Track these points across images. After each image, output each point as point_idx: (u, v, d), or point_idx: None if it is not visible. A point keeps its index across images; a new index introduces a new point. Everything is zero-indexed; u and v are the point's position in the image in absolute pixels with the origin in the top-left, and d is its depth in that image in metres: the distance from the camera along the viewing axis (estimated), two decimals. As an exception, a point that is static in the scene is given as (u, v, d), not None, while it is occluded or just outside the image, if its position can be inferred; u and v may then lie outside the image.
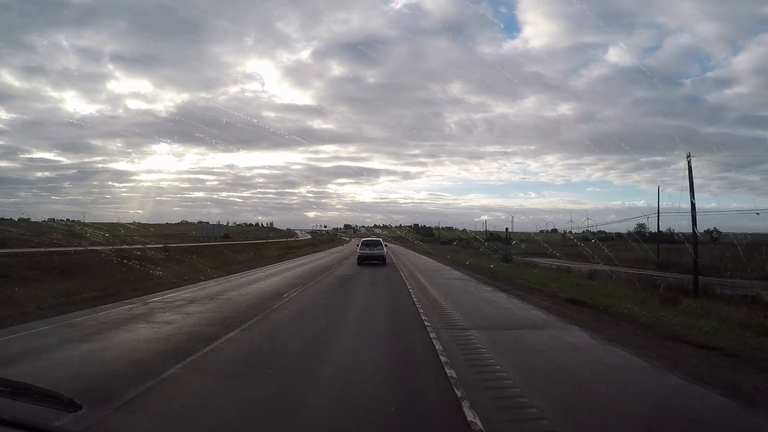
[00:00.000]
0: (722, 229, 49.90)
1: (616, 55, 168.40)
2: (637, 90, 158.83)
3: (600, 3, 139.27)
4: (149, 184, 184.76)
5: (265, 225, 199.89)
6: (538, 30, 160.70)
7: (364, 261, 28.87)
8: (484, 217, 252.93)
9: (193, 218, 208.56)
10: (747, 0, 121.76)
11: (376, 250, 29.92)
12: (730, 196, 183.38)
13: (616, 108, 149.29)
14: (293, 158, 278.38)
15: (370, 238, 34.09)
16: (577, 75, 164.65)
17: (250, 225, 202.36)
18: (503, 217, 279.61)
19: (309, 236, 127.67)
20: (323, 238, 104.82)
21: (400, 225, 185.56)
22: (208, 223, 55.47)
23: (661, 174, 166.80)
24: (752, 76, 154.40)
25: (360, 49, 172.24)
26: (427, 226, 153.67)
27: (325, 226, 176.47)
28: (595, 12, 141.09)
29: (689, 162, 20.88)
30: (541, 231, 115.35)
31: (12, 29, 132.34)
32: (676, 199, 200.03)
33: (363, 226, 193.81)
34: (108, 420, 4.34)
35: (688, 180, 20.57)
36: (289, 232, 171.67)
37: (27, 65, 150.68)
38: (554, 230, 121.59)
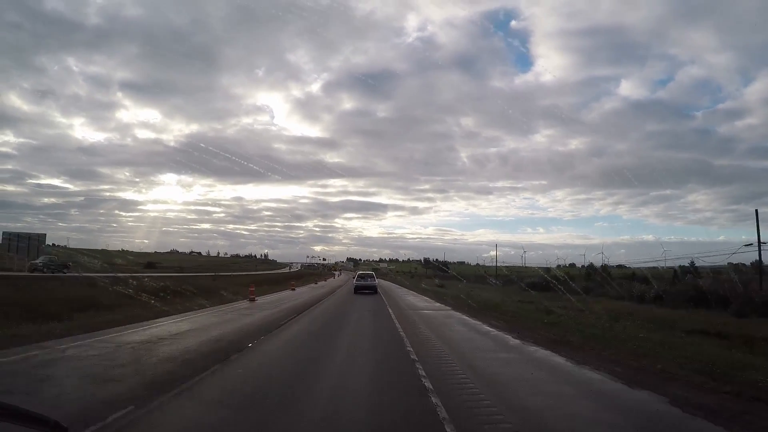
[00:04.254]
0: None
1: (629, 88, 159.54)
2: (648, 123, 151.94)
3: (613, 36, 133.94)
4: (156, 214, 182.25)
5: (259, 257, 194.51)
6: (550, 64, 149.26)
7: (359, 290, 31.61)
8: (492, 253, 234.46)
9: (199, 249, 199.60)
10: (760, 29, 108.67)
11: (369, 281, 33.18)
12: (738, 228, 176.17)
13: (627, 141, 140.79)
14: (301, 192, 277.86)
15: (364, 272, 37.26)
16: (589, 109, 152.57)
17: (245, 256, 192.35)
18: (512, 252, 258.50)
19: (290, 270, 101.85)
20: (295, 274, 74.50)
21: (409, 259, 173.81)
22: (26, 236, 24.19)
23: (669, 208, 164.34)
24: (763, 106, 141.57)
25: (372, 82, 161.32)
26: (439, 260, 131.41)
27: (324, 259, 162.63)
28: (608, 45, 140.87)
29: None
30: (558, 266, 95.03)
31: (22, 50, 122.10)
32: (685, 233, 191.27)
33: (368, 260, 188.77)
34: None
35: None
36: (276, 264, 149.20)
37: (36, 89, 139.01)
38: (572, 265, 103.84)
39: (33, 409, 2.15)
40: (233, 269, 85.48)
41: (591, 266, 58.36)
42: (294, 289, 32.11)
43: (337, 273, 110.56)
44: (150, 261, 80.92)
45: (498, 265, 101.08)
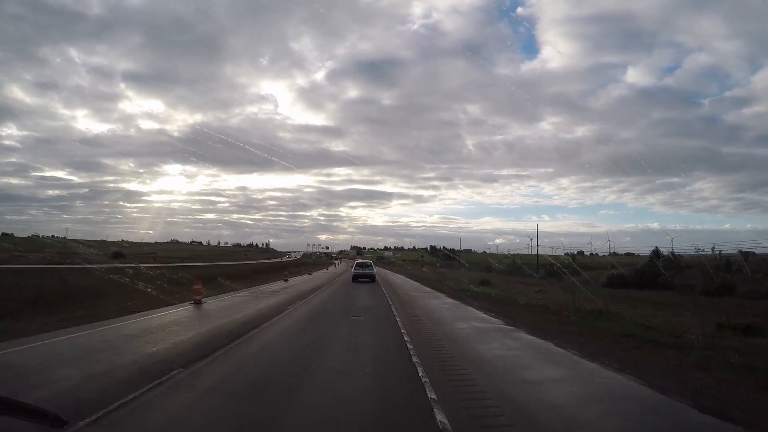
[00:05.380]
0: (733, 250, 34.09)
1: (635, 75, 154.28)
2: (655, 111, 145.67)
3: (620, 22, 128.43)
4: (160, 204, 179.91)
5: (261, 246, 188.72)
6: (557, 50, 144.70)
7: (357, 279, 30.76)
8: (498, 241, 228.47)
9: (205, 239, 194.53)
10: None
11: (367, 270, 31.82)
12: (744, 216, 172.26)
13: (634, 129, 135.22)
14: (306, 181, 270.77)
15: (363, 261, 35.96)
16: (596, 96, 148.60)
17: (246, 246, 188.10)
18: (517, 240, 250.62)
19: (282, 260, 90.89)
20: (278, 264, 60.20)
21: (414, 247, 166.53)
22: None
23: (675, 196, 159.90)
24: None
25: (377, 70, 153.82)
26: (447, 248, 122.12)
27: (327, 248, 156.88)
28: (615, 32, 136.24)
29: None
30: (566, 254, 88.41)
31: (24, 41, 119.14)
32: (690, 221, 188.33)
33: (373, 248, 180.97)
34: None
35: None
36: (275, 253, 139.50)
37: (39, 80, 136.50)
38: (581, 252, 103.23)
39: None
40: (214, 259, 73.76)
41: (656, 252, 43.93)
42: (199, 302, 15.61)
43: (337, 261, 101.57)
44: (117, 251, 68.98)
45: (504, 253, 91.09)
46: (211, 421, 4.83)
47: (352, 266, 36.98)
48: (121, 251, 64.58)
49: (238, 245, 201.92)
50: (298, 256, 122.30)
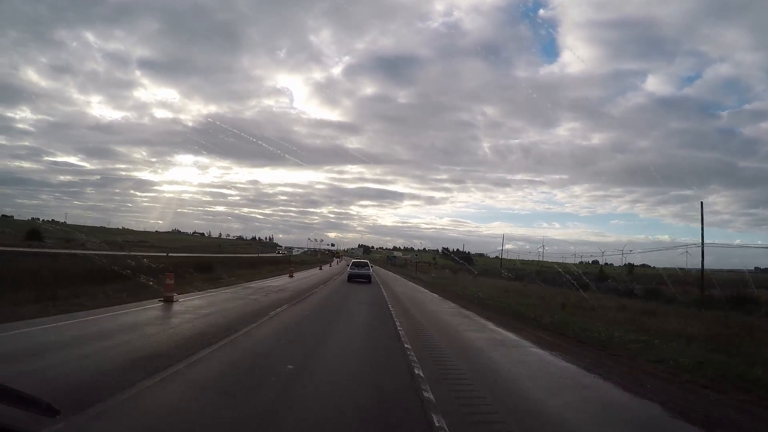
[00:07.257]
0: (744, 266, 36.06)
1: (655, 83, 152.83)
2: (672, 120, 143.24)
3: (642, 29, 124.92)
4: (171, 195, 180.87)
5: (265, 240, 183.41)
6: (577, 55, 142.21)
7: (352, 279, 30.15)
8: (508, 246, 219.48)
9: (214, 232, 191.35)
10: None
11: (363, 270, 31.45)
12: (755, 233, 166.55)
13: (650, 138, 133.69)
14: (317, 177, 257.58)
15: (359, 261, 36.23)
16: (614, 103, 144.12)
17: (250, 239, 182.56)
18: (527, 246, 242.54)
19: (260, 255, 75.62)
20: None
21: (425, 249, 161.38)
22: None
23: (687, 208, 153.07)
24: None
25: (395, 66, 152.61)
26: (460, 250, 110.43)
27: (333, 245, 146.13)
28: (637, 38, 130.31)
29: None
30: (581, 262, 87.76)
31: (41, 22, 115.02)
32: (700, 235, 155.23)
33: (381, 248, 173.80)
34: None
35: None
36: (273, 248, 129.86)
37: (54, 64, 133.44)
38: (595, 262, 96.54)
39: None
40: (190, 250, 59.38)
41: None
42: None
43: (337, 260, 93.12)
44: (34, 230, 52.73)
45: (511, 259, 78.73)
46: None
47: (348, 265, 36.58)
48: (38, 231, 50.27)
49: (240, 238, 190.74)
50: (298, 252, 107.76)
